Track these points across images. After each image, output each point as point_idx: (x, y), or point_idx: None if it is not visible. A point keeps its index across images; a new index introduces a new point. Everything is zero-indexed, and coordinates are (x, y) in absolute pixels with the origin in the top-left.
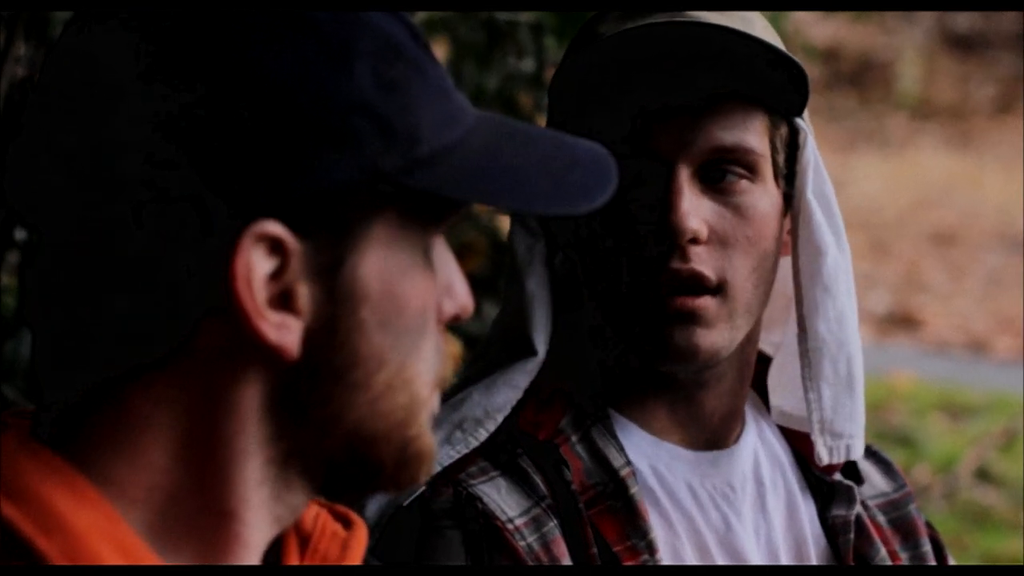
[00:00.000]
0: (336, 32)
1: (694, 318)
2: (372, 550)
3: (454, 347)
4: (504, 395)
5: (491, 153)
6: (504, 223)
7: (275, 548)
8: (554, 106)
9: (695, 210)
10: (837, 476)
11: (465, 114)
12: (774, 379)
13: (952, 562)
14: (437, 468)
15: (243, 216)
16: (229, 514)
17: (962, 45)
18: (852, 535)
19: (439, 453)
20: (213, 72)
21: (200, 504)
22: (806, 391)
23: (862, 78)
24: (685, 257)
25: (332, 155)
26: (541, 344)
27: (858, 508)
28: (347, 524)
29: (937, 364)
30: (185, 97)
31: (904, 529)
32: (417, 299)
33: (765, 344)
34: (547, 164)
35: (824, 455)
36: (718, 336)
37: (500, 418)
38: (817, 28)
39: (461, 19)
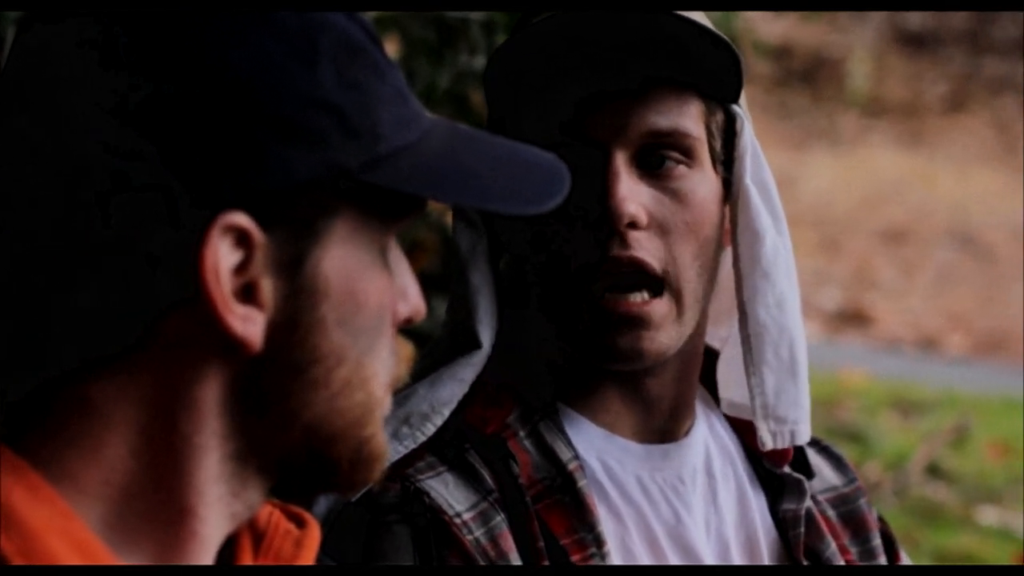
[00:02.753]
0: (299, 30)
1: (642, 322)
2: (321, 546)
3: (406, 349)
4: (450, 389)
5: (449, 153)
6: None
7: (228, 546)
8: (492, 98)
9: (633, 195)
10: (787, 469)
11: (421, 117)
12: (723, 372)
13: (904, 557)
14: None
15: (209, 207)
16: (186, 510)
17: (913, 43)
18: (802, 529)
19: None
20: (179, 65)
21: (157, 500)
22: (748, 376)
23: (813, 76)
24: (625, 243)
25: (296, 150)
26: (486, 337)
27: (808, 502)
28: (300, 523)
29: (888, 361)
30: (151, 89)
31: (854, 523)
32: (375, 297)
33: (713, 339)
34: (503, 165)
35: (768, 440)
36: (665, 337)
37: (447, 412)
38: (768, 26)
39: (412, 17)
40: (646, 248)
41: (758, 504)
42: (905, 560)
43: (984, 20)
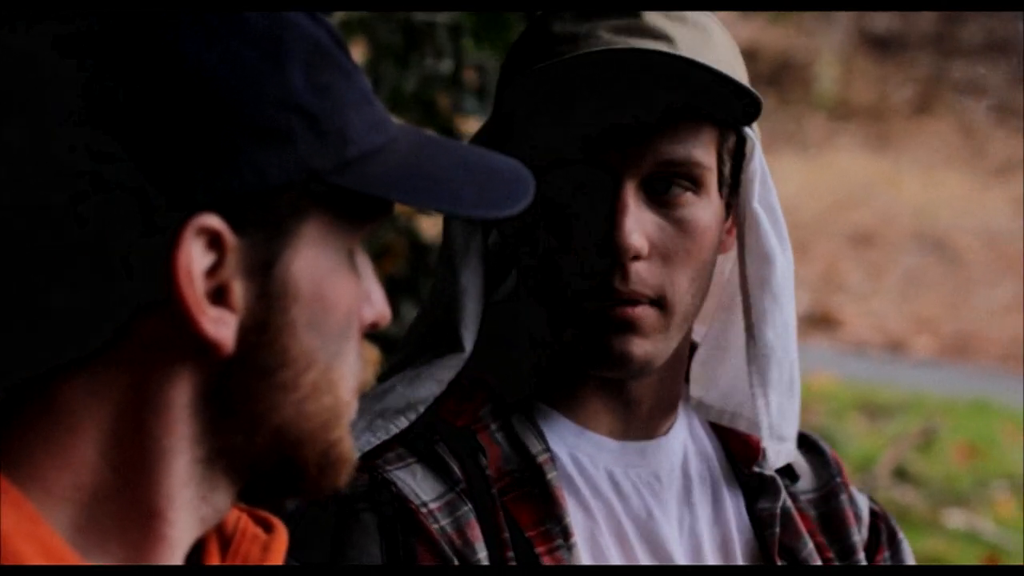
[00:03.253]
0: (269, 33)
1: (632, 327)
2: (290, 535)
3: (372, 353)
4: (428, 389)
5: (417, 157)
6: (423, 225)
7: (196, 550)
8: (508, 96)
9: (638, 226)
10: (762, 468)
11: (388, 122)
12: (696, 370)
13: (907, 553)
14: (356, 454)
15: (182, 209)
16: (155, 513)
17: (880, 46)
18: (777, 528)
19: (359, 440)
20: (151, 67)
21: (126, 503)
22: (754, 397)
23: (780, 79)
24: (625, 276)
25: (267, 153)
26: (469, 340)
27: (784, 501)
28: (268, 528)
29: (855, 364)
30: (123, 91)
31: (834, 522)
32: (344, 301)
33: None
34: (469, 170)
35: (773, 458)
36: (652, 346)
37: (421, 408)
38: (735, 29)
39: (379, 20)
40: (644, 279)
41: (734, 504)
42: (904, 551)
43: (951, 23)
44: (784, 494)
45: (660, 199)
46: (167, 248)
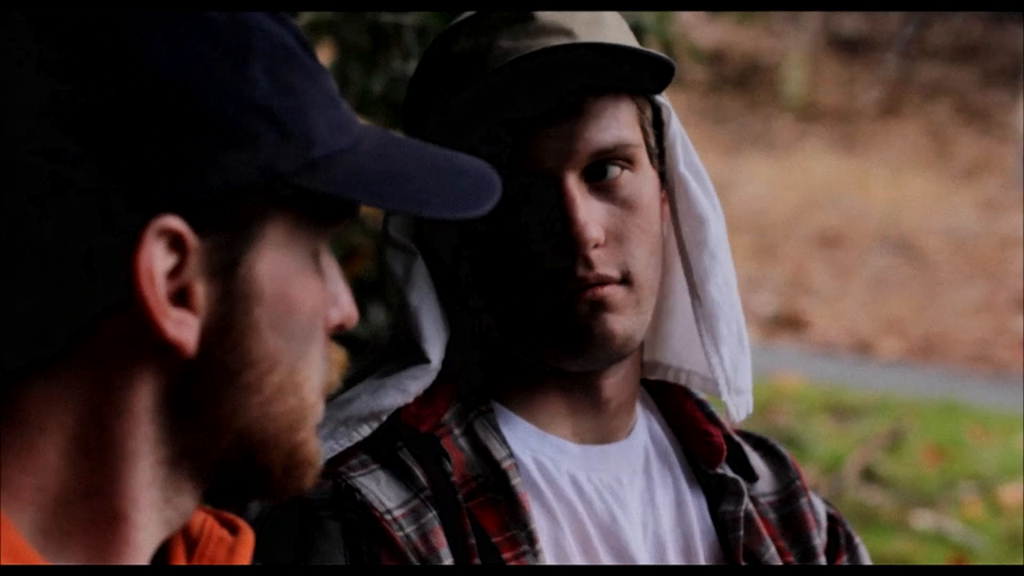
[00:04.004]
0: (232, 33)
1: (603, 305)
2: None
3: (339, 355)
4: (392, 398)
5: (382, 158)
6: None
7: (162, 552)
8: (425, 136)
9: (590, 216)
10: (724, 470)
11: (353, 123)
12: (647, 335)
13: (863, 554)
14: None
15: (144, 211)
16: (119, 516)
17: (847, 48)
18: (741, 531)
19: (322, 448)
20: (112, 68)
21: (91, 506)
22: (708, 355)
23: (748, 80)
24: (589, 264)
25: (230, 154)
26: (435, 353)
27: (747, 504)
28: (234, 530)
29: (823, 365)
30: (84, 91)
31: (794, 525)
32: (308, 302)
33: None
34: (435, 171)
35: (734, 412)
36: (628, 321)
37: (384, 418)
38: (703, 30)
39: (346, 22)
40: (606, 263)
41: (696, 506)
42: (862, 555)
43: (918, 26)
44: (747, 496)
45: (601, 184)
46: (128, 249)
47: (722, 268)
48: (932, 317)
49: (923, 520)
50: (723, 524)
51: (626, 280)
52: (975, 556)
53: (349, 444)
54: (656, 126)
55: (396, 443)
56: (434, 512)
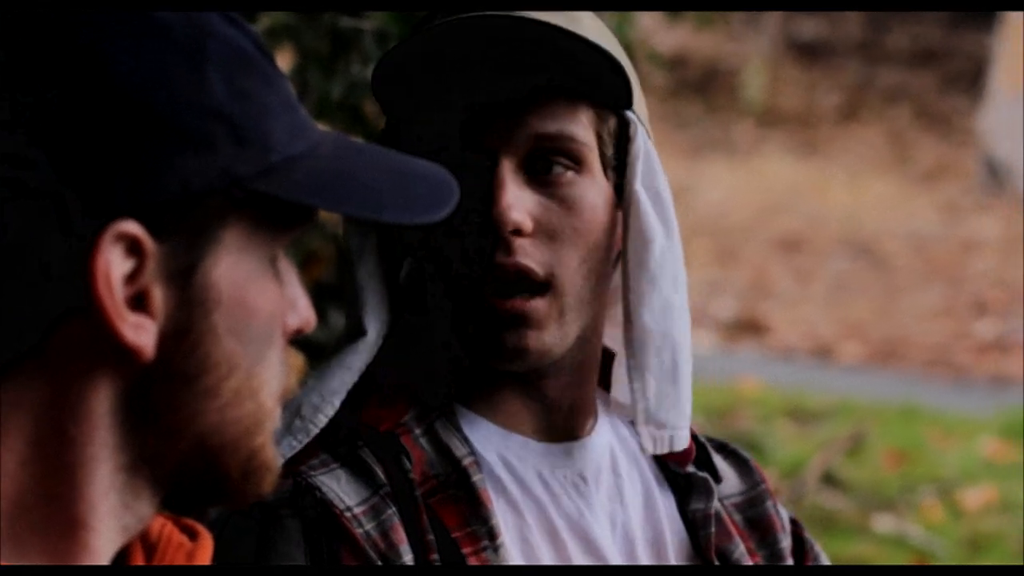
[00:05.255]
0: (188, 38)
1: (524, 320)
2: (215, 541)
3: (297, 359)
4: (339, 378)
5: (340, 163)
6: None
7: (120, 558)
8: (385, 103)
9: (518, 202)
10: (692, 469)
11: (311, 128)
12: (619, 375)
13: (822, 557)
14: (279, 461)
15: (101, 216)
16: (77, 522)
17: (807, 53)
18: (712, 529)
19: (281, 443)
20: (67, 71)
21: (49, 512)
22: (630, 380)
23: (708, 86)
24: (509, 250)
25: (187, 158)
26: (371, 325)
27: (716, 503)
28: (192, 536)
29: (783, 370)
30: (41, 96)
31: (760, 527)
32: (266, 307)
33: (612, 341)
34: (393, 176)
35: (648, 444)
36: (548, 337)
37: (337, 402)
38: (663, 35)
39: (305, 27)
40: (530, 254)
41: (666, 504)
42: (823, 562)
43: (877, 30)
44: (716, 495)
45: (541, 179)
46: (86, 254)
47: (661, 295)
48: (892, 321)
49: (883, 524)
50: (693, 522)
51: (549, 284)
52: (935, 560)
53: (307, 439)
54: (620, 139)
55: (356, 442)
56: (394, 509)
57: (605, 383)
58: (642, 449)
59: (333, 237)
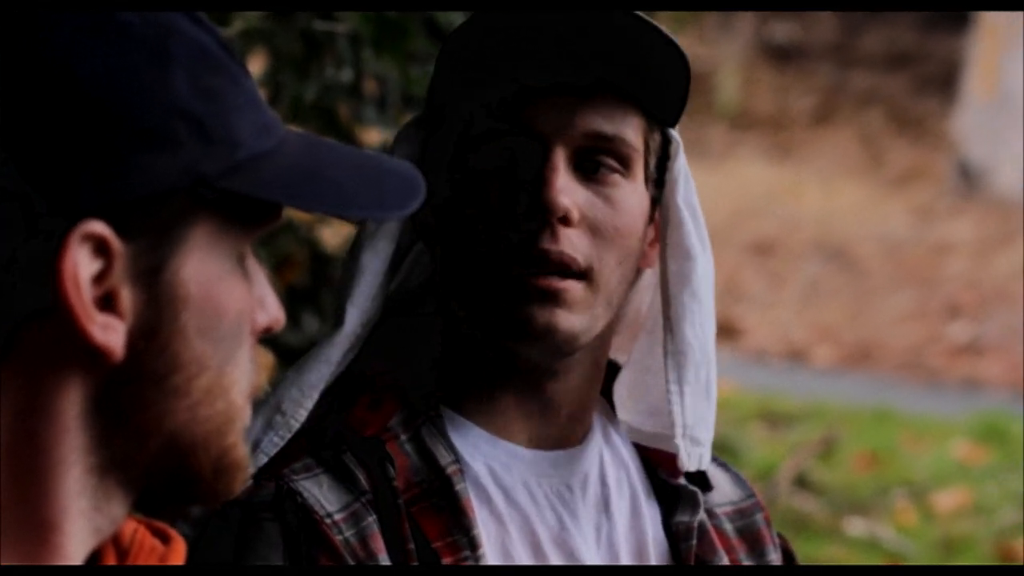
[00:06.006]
0: (153, 38)
1: (557, 299)
2: (195, 543)
3: (265, 358)
4: (317, 371)
5: (307, 160)
6: (324, 235)
7: (92, 561)
8: (437, 82)
9: (568, 191)
10: (682, 481)
11: (277, 126)
12: (621, 393)
13: None
14: (263, 458)
15: (68, 216)
16: (49, 524)
17: (780, 56)
18: (694, 541)
19: (263, 440)
20: (30, 72)
21: (20, 514)
22: (670, 394)
23: None
24: (555, 237)
25: (153, 158)
26: (352, 316)
27: (702, 515)
28: (165, 539)
29: (756, 373)
30: (2, 97)
31: (751, 538)
32: (235, 305)
33: (616, 354)
34: (360, 172)
35: (685, 461)
36: (578, 320)
37: (316, 395)
38: None
39: (278, 29)
40: (575, 244)
41: (651, 515)
42: None
43: (850, 33)
44: (703, 508)
45: (590, 176)
46: (53, 255)
47: (702, 311)
48: (865, 324)
49: (856, 527)
50: (676, 534)
51: (587, 275)
52: (907, 563)
53: (289, 435)
54: (662, 156)
55: (341, 447)
56: (374, 516)
57: (606, 392)
58: (654, 459)
59: (307, 241)
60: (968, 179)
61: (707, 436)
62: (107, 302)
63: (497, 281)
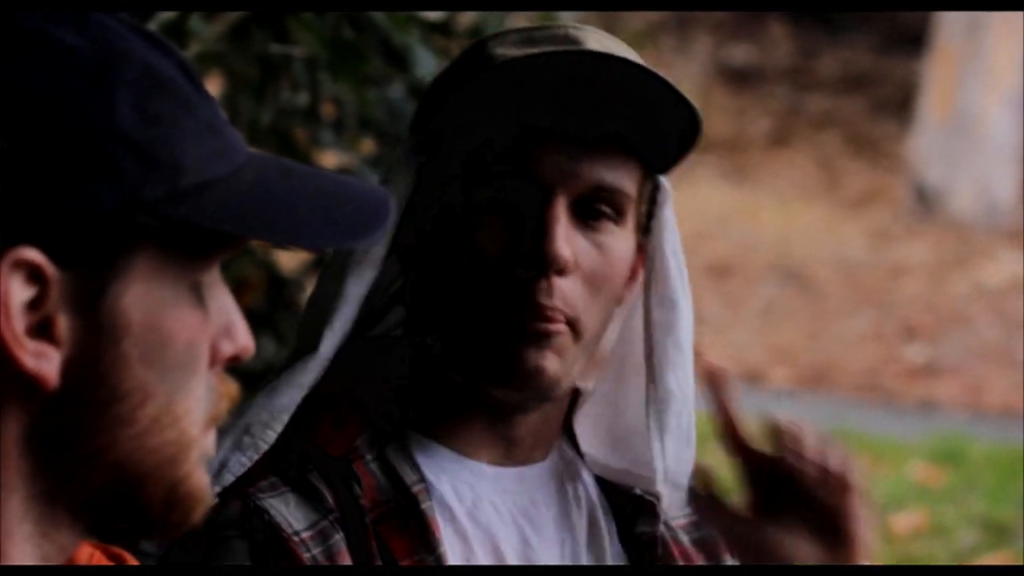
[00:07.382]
0: (97, 60)
1: (548, 341)
2: (161, 562)
3: (231, 387)
4: (288, 396)
5: (260, 188)
6: (281, 259)
7: None
8: (442, 101)
9: (568, 240)
10: (639, 491)
11: (237, 151)
12: (585, 425)
13: None
14: (230, 477)
15: (0, 242)
16: None
17: (737, 79)
18: (659, 550)
19: (230, 460)
20: None
21: None
22: (652, 440)
23: None
24: (550, 291)
25: (91, 183)
26: (328, 343)
27: (662, 526)
28: (121, 564)
29: None
30: None
31: (707, 548)
32: (183, 334)
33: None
34: (319, 199)
35: (667, 505)
36: (563, 365)
37: (286, 418)
38: None
39: (235, 53)
40: (567, 298)
41: (608, 529)
42: None
43: (806, 56)
44: (662, 518)
45: (587, 223)
46: None
47: (684, 361)
48: (822, 346)
49: None
50: (638, 544)
51: (574, 324)
52: None
53: (256, 456)
54: (651, 203)
55: (307, 466)
56: (341, 534)
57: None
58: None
59: (264, 264)
60: (924, 201)
61: (686, 480)
62: (42, 330)
63: (486, 322)
